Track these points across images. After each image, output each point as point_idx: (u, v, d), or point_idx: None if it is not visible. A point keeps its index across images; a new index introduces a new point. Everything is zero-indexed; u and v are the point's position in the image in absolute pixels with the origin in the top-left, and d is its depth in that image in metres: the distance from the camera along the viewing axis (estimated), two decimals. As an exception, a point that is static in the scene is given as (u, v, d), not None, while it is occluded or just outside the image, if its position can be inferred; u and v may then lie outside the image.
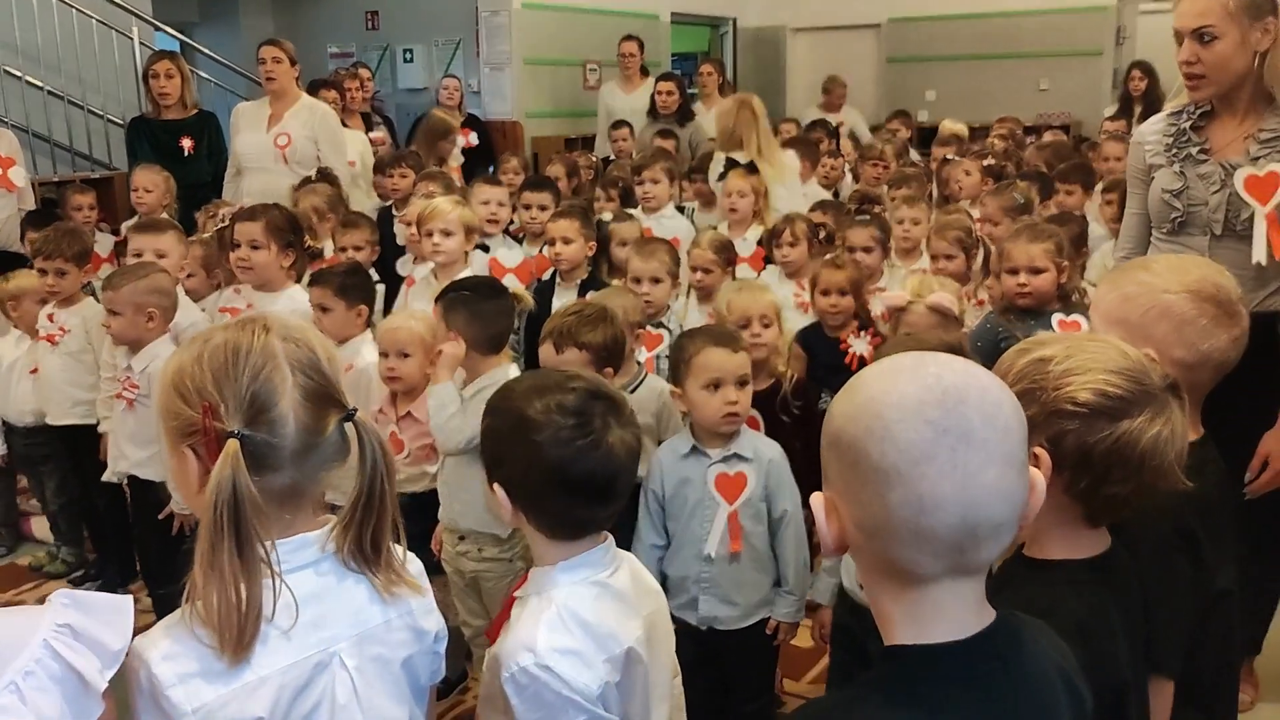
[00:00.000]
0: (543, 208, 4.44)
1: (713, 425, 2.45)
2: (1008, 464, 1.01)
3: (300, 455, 1.25)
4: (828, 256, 4.09)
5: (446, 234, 3.59)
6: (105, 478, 3.28)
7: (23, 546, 4.24)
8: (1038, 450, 1.35)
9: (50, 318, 3.75)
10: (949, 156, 6.07)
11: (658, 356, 3.49)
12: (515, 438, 1.55)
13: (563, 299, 3.96)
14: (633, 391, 2.93)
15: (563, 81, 8.63)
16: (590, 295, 3.31)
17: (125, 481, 3.24)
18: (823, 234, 4.41)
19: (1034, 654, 1.10)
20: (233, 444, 1.18)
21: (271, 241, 3.41)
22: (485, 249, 4.04)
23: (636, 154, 6.48)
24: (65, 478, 3.87)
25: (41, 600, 1.17)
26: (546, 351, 2.61)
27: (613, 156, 6.96)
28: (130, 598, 1.20)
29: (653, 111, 7.15)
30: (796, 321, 4.05)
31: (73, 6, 6.26)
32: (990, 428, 1.00)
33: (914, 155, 7.23)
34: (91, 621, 1.14)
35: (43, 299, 3.81)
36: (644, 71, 7.81)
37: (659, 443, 2.90)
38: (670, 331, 3.54)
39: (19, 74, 6.14)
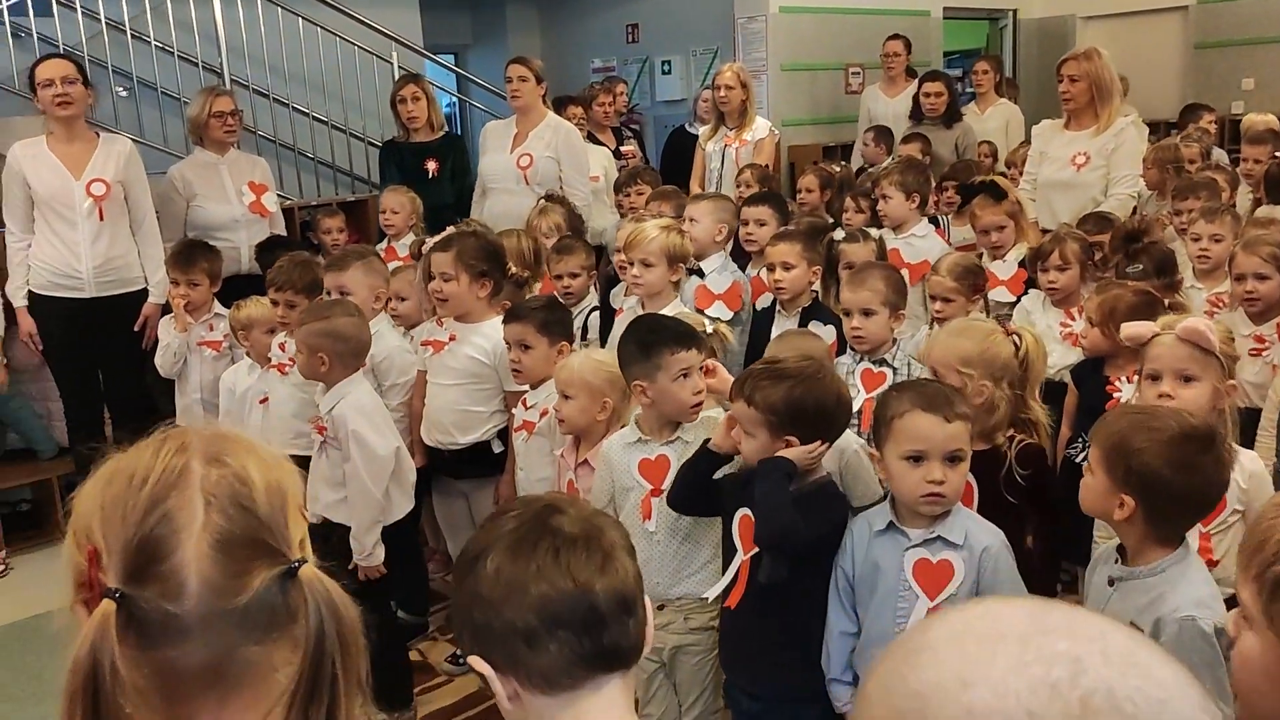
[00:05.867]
0: (760, 223, 4.10)
1: (910, 504, 2.05)
2: None
3: (210, 624, 0.92)
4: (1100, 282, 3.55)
5: (647, 265, 3.33)
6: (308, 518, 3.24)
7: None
8: None
9: (282, 346, 3.80)
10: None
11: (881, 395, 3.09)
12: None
13: (782, 330, 3.62)
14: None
15: (822, 87, 8.22)
16: (775, 340, 2.94)
17: (320, 522, 3.18)
18: (1098, 255, 3.83)
19: None
20: (105, 607, 0.88)
21: (462, 272, 3.28)
22: (700, 273, 3.75)
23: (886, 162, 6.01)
24: (287, 505, 3.91)
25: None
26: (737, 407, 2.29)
27: (865, 165, 6.51)
28: None
29: (916, 114, 6.63)
30: (1064, 357, 3.53)
31: (336, 34, 6.52)
32: None
33: (1219, 155, 6.31)
34: None
35: (272, 328, 3.87)
36: (910, 73, 7.30)
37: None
38: (895, 371, 3.12)
39: (286, 101, 6.45)
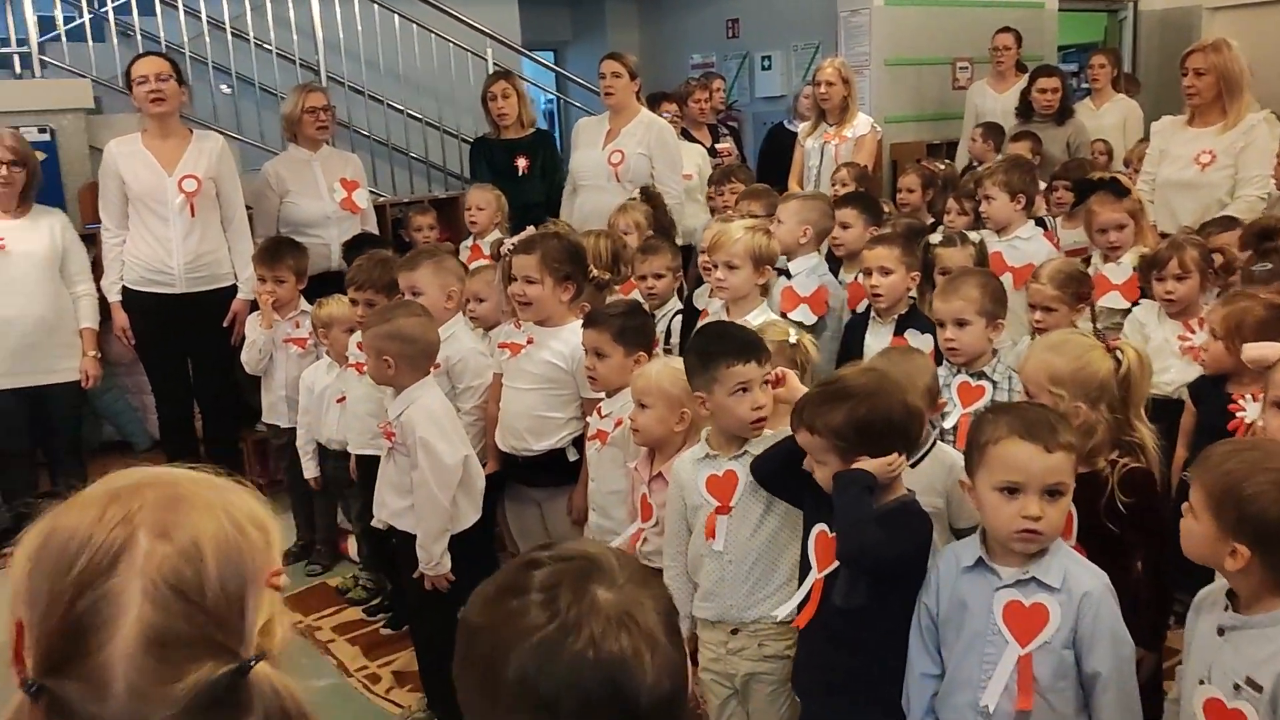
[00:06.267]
0: (845, 225, 3.90)
1: (1002, 539, 1.87)
2: None
3: None
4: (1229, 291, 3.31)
5: (731, 267, 3.18)
6: (373, 523, 3.19)
7: (338, 566, 4.34)
8: None
9: (360, 345, 3.75)
10: None
11: (977, 414, 2.89)
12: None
13: (877, 337, 3.45)
14: (914, 465, 2.38)
15: (927, 82, 7.91)
16: (877, 355, 2.75)
17: (385, 528, 3.11)
18: (1219, 262, 3.56)
19: None
20: (20, 701, 0.78)
21: (546, 275, 3.17)
22: (788, 274, 3.59)
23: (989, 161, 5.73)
24: (366, 505, 3.87)
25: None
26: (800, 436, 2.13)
27: (974, 163, 6.23)
28: None
29: (1024, 111, 6.32)
30: (1184, 373, 3.29)
31: (431, 31, 6.49)
32: None
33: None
34: None
35: (351, 327, 3.83)
36: (1020, 68, 6.98)
37: (952, 531, 2.35)
38: (995, 384, 2.92)
39: (381, 98, 6.45)
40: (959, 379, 2.96)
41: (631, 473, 2.75)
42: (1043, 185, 4.95)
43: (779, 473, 2.29)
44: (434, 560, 2.88)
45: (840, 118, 5.71)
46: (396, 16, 6.35)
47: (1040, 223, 4.52)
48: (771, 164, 6.76)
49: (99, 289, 4.49)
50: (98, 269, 4.54)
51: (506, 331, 3.39)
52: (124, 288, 4.48)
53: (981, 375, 2.92)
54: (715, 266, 3.26)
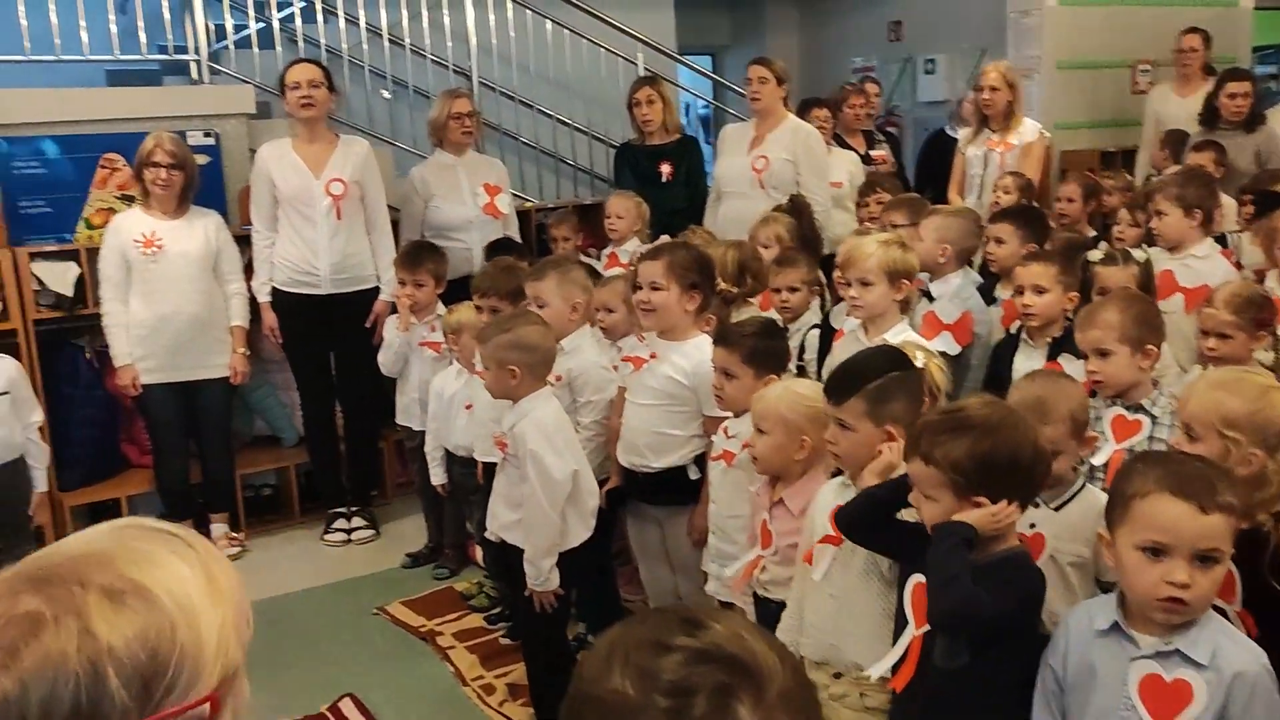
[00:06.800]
0: (999, 241, 3.64)
1: (1142, 606, 1.65)
2: None
3: None
4: None
5: (865, 284, 2.99)
6: (486, 534, 3.14)
7: (466, 571, 4.34)
8: None
9: (486, 354, 3.73)
10: None
11: (1132, 450, 2.62)
12: None
13: (1028, 361, 3.21)
14: (1058, 509, 2.17)
15: (1103, 86, 7.44)
16: (1021, 380, 2.51)
17: (497, 541, 3.06)
18: None
19: None
20: None
21: (673, 282, 3.06)
22: (930, 296, 3.37)
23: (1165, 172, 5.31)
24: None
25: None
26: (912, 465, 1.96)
27: (1155, 172, 5.82)
28: None
29: (1208, 118, 5.85)
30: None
31: (582, 36, 6.47)
32: None
33: None
34: None
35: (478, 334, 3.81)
36: (1209, 71, 6.49)
37: (1098, 585, 2.13)
38: (1154, 420, 2.65)
39: (531, 102, 6.47)
40: (1113, 411, 2.71)
41: (754, 497, 2.62)
42: (1226, 198, 4.55)
43: (861, 523, 2.13)
44: (542, 576, 2.81)
45: (1004, 124, 5.41)
46: (549, 22, 6.35)
47: (1221, 240, 4.14)
48: (931, 171, 6.51)
49: (249, 289, 4.62)
50: (248, 270, 4.67)
51: (630, 344, 3.30)
52: (273, 289, 4.59)
53: (1139, 409, 2.65)
54: (850, 284, 3.08)
